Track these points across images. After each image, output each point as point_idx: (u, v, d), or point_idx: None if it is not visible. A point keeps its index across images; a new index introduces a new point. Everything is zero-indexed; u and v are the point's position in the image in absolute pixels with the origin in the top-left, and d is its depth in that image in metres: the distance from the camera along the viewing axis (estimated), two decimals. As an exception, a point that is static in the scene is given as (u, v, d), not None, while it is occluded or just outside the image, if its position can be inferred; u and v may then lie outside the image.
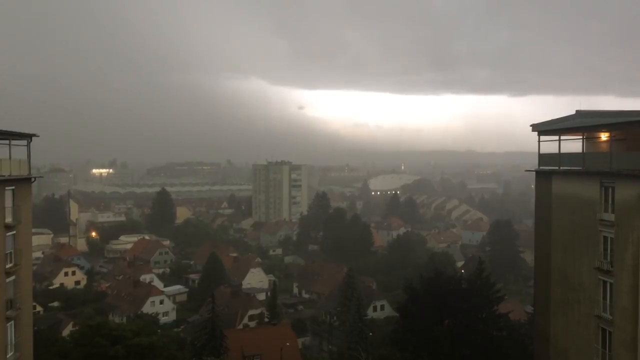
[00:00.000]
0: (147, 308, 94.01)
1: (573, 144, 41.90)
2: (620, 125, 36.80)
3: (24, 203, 38.18)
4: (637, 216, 32.97)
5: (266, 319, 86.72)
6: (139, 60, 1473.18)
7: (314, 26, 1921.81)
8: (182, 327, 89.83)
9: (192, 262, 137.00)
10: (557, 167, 41.94)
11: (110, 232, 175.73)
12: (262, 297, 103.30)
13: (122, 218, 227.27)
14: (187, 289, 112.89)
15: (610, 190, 35.90)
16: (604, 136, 40.11)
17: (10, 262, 36.76)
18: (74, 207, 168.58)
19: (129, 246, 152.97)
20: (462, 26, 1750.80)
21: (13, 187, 36.93)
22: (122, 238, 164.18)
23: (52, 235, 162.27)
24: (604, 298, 36.21)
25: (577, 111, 41.17)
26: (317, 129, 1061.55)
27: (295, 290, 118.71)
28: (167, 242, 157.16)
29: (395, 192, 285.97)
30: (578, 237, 38.98)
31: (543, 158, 43.68)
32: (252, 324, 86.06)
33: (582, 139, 39.96)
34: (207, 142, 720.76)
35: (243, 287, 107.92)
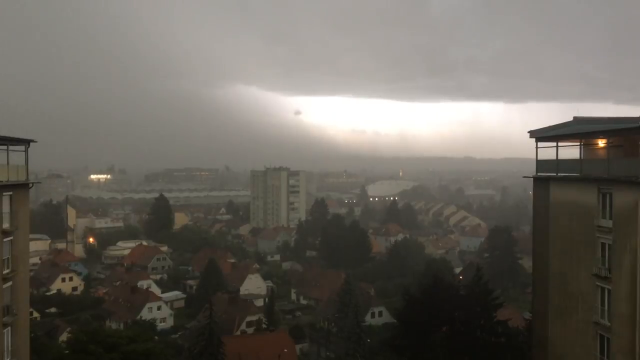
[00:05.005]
0: (144, 314, 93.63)
1: (571, 151, 42.02)
2: (618, 132, 36.91)
3: (21, 209, 38.12)
4: (634, 222, 32.99)
5: (264, 325, 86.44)
6: (136, 67, 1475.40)
7: (310, 33, 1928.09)
8: (179, 333, 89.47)
9: (189, 268, 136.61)
10: (554, 174, 42.02)
11: (108, 238, 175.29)
12: (260, 303, 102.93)
13: (120, 224, 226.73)
14: (184, 295, 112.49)
15: (608, 196, 35.95)
16: (601, 143, 40.23)
17: (8, 268, 36.66)
18: (71, 213, 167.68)
19: (126, 252, 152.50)
20: (458, 33, 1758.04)
21: (11, 193, 36.89)
22: (120, 244, 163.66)
23: (49, 241, 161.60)
24: (602, 304, 36.20)
25: (574, 118, 41.28)
26: (314, 135, 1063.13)
27: (293, 296, 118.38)
28: (164, 248, 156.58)
29: (394, 198, 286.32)
30: (576, 244, 39.00)
31: (541, 164, 43.76)
32: (250, 330, 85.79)
33: (580, 145, 40.03)
34: (205, 148, 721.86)
35: (241, 293, 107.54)
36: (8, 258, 36.73)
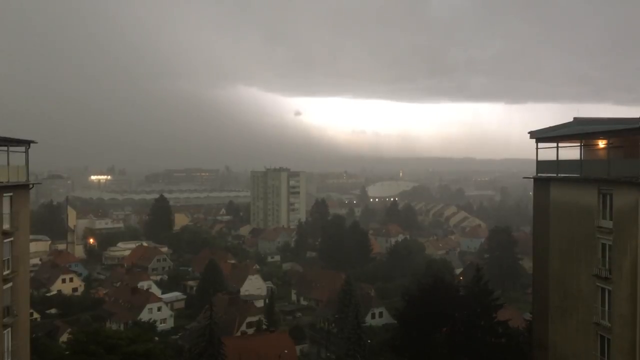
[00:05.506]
0: (144, 315, 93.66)
1: (571, 151, 42.00)
2: (618, 133, 36.89)
3: (21, 209, 38.11)
4: (635, 223, 32.98)
5: (264, 326, 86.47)
6: (136, 68, 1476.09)
7: (310, 34, 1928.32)
8: (179, 334, 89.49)
9: (190, 269, 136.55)
10: (555, 174, 42.01)
11: (108, 238, 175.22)
12: (260, 304, 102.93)
13: (120, 225, 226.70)
14: (185, 296, 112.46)
15: (608, 197, 35.94)
16: (601, 143, 40.22)
17: (8, 268, 36.65)
18: (72, 214, 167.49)
19: (126, 253, 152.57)
20: (458, 34, 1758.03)
21: (11, 194, 36.88)
22: (120, 245, 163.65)
23: (49, 242, 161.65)
24: (603, 305, 36.18)
25: (574, 118, 41.25)
26: (315, 135, 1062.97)
27: (294, 297, 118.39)
28: (165, 249, 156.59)
29: (394, 199, 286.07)
30: (576, 244, 38.98)
31: (541, 165, 43.74)
32: (250, 331, 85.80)
33: (580, 146, 40.02)
34: (205, 149, 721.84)
35: (241, 294, 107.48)
36: (8, 259, 36.71)
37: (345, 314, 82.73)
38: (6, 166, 36.77)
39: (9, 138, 36.60)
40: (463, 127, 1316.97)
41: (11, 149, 37.37)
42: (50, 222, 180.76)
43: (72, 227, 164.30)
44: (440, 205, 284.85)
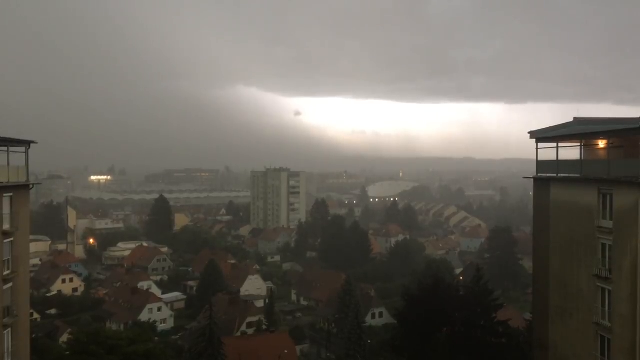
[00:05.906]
0: (144, 315, 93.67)
1: (571, 151, 41.98)
2: (618, 133, 36.90)
3: (21, 210, 38.11)
4: (635, 223, 32.97)
5: (264, 327, 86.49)
6: (136, 69, 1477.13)
7: (310, 34, 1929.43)
8: (180, 334, 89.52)
9: (190, 269, 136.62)
10: (555, 174, 42.00)
11: (108, 239, 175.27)
12: (260, 304, 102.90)
13: (120, 225, 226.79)
14: (185, 296, 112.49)
15: (608, 197, 35.93)
16: (601, 143, 40.23)
17: (8, 269, 36.66)
18: (72, 214, 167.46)
19: (127, 253, 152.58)
20: (458, 34, 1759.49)
21: (11, 194, 36.89)
22: (120, 245, 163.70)
23: (49, 242, 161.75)
24: (603, 305, 36.17)
25: (574, 118, 41.26)
26: (315, 136, 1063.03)
27: (294, 297, 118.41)
28: (165, 249, 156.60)
29: (394, 199, 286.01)
30: (576, 244, 38.97)
31: (541, 165, 43.73)
32: (250, 331, 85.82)
33: (580, 146, 40.01)
34: (205, 149, 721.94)
35: (241, 294, 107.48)
36: (8, 259, 36.72)
37: (345, 314, 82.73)
38: (6, 166, 36.78)
39: (9, 138, 36.61)
40: (463, 127, 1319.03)
41: (11, 149, 37.38)
42: (50, 222, 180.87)
43: (72, 228, 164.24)
44: (440, 205, 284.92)
